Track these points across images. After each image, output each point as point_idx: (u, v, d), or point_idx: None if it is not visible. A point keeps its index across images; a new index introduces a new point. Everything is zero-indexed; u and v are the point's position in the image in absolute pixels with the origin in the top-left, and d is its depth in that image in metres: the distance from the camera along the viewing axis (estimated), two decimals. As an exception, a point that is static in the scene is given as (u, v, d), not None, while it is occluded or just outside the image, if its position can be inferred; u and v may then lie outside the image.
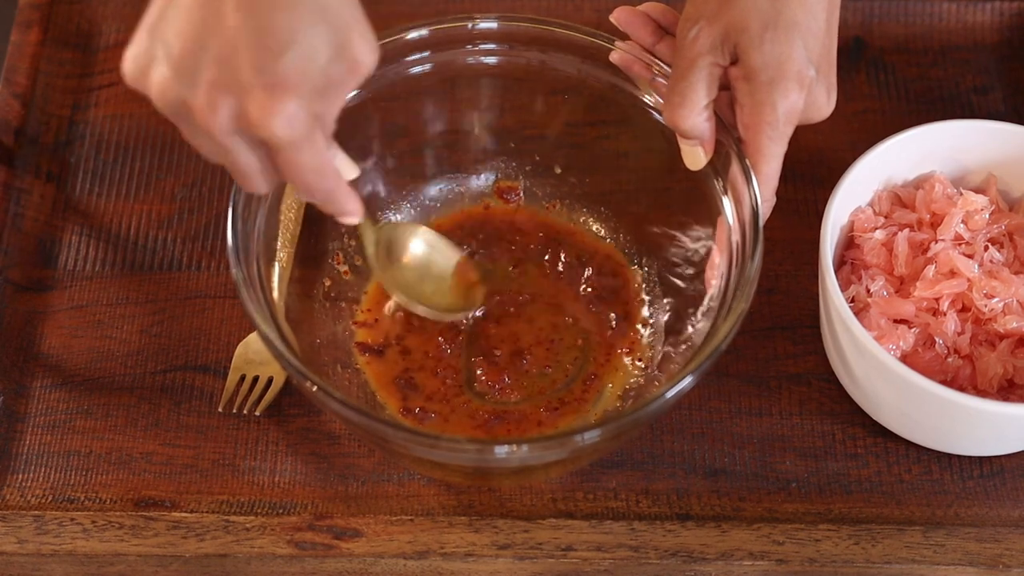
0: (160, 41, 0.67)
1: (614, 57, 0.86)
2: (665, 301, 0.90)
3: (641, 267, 0.92)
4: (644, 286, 0.91)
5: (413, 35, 0.87)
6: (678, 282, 0.89)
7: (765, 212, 0.81)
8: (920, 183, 0.90)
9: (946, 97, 1.02)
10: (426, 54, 0.88)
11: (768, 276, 0.93)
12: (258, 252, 0.81)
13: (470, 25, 0.87)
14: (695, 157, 0.83)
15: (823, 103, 0.81)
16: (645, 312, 0.90)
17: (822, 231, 0.84)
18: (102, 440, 0.87)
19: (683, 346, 0.86)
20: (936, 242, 0.86)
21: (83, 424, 0.88)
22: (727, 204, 0.83)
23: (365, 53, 0.68)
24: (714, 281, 0.83)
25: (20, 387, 0.89)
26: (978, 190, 0.89)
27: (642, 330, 0.89)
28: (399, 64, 0.88)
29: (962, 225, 0.87)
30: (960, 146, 0.89)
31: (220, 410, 0.88)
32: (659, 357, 0.88)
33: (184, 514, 0.84)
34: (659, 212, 0.91)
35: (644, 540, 0.83)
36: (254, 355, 0.89)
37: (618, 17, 0.85)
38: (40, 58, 1.02)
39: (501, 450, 0.75)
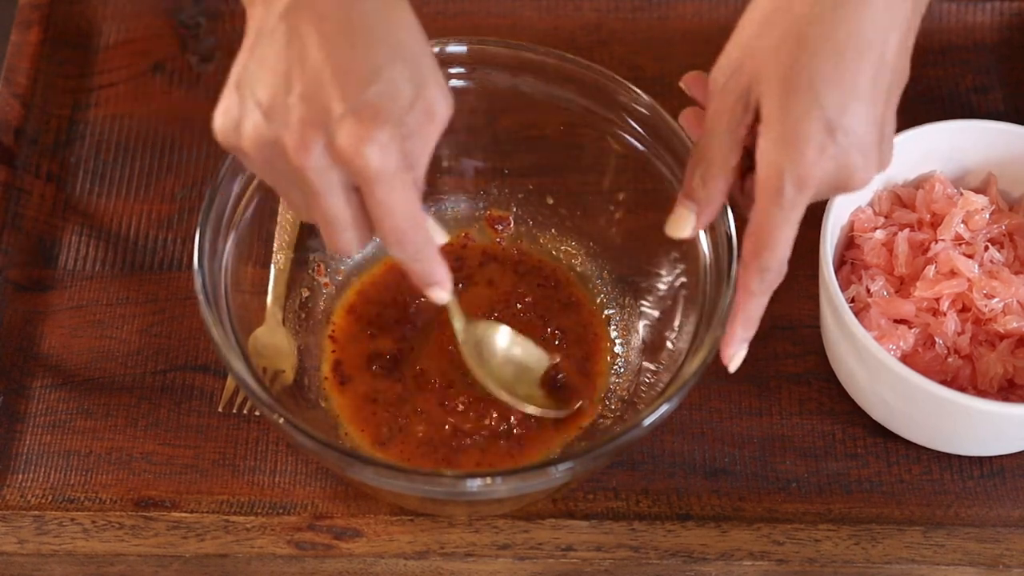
0: (248, 93, 0.67)
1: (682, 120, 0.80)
2: (635, 345, 0.89)
3: (618, 305, 0.90)
4: (615, 332, 0.89)
5: None
6: (647, 325, 0.89)
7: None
8: (920, 183, 0.90)
9: (946, 97, 1.02)
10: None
11: (768, 276, 0.93)
12: (226, 285, 0.80)
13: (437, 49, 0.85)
14: (684, 223, 0.76)
15: (859, 168, 0.70)
16: (615, 351, 0.89)
17: (822, 231, 0.84)
18: (102, 440, 0.87)
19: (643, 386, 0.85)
20: (936, 242, 0.86)
21: (83, 424, 0.88)
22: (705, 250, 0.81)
23: (440, 102, 0.67)
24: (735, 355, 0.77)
25: (20, 387, 0.89)
26: (978, 190, 0.89)
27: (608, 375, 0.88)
28: None
29: (962, 225, 0.87)
30: (960, 146, 0.89)
31: (220, 410, 0.88)
32: (626, 396, 0.86)
33: (184, 514, 0.84)
34: (639, 251, 0.89)
35: (644, 540, 0.83)
36: (262, 348, 0.86)
37: (687, 83, 0.78)
38: (40, 58, 1.02)
39: (473, 483, 0.74)
